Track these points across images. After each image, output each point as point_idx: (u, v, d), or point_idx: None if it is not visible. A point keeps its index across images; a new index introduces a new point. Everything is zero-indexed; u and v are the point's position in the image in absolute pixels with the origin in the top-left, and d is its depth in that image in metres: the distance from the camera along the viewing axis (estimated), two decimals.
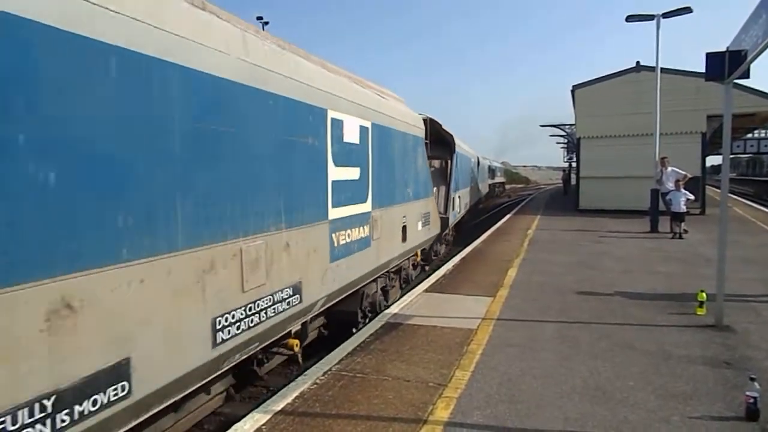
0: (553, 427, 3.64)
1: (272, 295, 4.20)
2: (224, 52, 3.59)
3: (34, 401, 2.29)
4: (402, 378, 4.55)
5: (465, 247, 12.68)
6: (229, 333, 3.63)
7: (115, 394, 2.70)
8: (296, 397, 4.18)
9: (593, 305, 6.93)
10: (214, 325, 3.47)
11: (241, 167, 3.79)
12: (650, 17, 16.06)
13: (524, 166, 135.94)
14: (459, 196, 14.56)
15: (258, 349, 4.39)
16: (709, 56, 5.70)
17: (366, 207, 6.42)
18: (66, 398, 2.44)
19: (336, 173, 5.48)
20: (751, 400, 3.70)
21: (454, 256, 11.64)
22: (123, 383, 2.74)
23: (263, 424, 3.72)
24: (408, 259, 9.23)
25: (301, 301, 4.71)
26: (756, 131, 41.12)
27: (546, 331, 5.84)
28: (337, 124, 5.53)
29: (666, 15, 15.79)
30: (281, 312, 4.36)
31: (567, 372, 4.64)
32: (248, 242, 3.84)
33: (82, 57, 2.52)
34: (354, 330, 6.38)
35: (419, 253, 9.97)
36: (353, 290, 6.42)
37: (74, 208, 2.50)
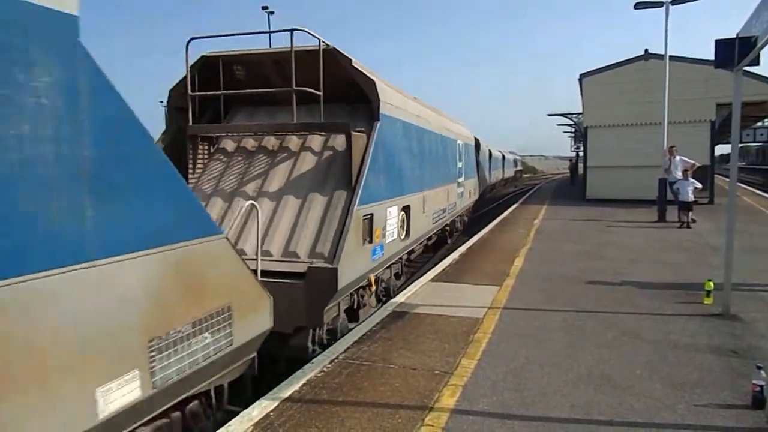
0: (558, 414, 3.66)
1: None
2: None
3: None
4: (408, 366, 4.58)
5: (471, 237, 12.69)
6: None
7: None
8: (303, 385, 4.22)
9: (600, 294, 6.93)
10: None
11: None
12: (659, 4, 15.88)
13: (531, 156, 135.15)
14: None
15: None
16: (719, 43, 5.64)
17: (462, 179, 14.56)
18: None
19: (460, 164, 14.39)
20: (758, 389, 3.69)
21: (460, 245, 11.64)
22: None
23: (271, 411, 3.76)
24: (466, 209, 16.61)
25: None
26: (766, 120, 40.64)
27: (552, 320, 5.85)
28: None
29: (675, 1, 15.62)
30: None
31: (573, 361, 4.65)
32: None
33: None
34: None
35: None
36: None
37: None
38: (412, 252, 9.65)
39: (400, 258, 8.64)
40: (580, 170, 32.29)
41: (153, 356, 2.97)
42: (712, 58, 5.77)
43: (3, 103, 2.22)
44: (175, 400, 3.33)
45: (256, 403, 3.91)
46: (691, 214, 13.42)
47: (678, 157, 14.31)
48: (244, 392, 4.30)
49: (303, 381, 4.28)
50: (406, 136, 8.31)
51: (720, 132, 20.59)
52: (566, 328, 5.55)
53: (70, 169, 2.50)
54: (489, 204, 27.14)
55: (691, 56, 18.62)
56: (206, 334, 3.43)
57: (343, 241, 5.52)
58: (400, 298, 6.89)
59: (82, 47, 2.56)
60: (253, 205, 4.79)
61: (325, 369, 4.54)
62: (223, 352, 3.61)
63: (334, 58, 6.43)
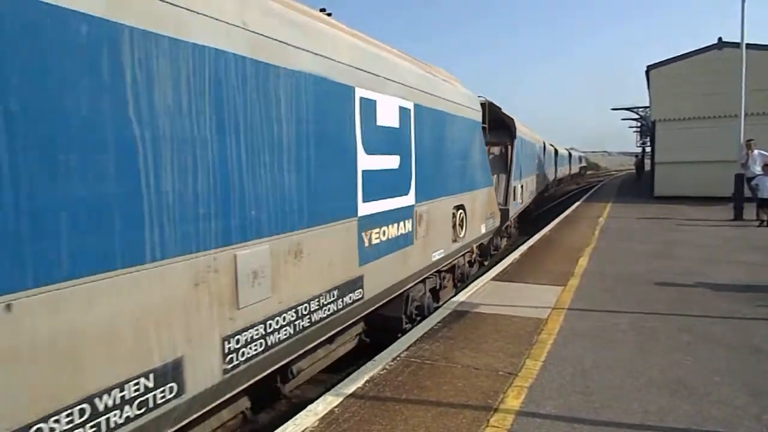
0: (630, 420, 3.51)
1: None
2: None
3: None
4: (471, 366, 4.52)
5: (532, 236, 12.42)
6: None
7: None
8: (366, 382, 4.24)
9: (671, 296, 6.61)
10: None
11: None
12: None
13: (593, 152, 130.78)
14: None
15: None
16: None
17: (538, 172, 19.90)
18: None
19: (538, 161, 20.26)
20: None
21: (520, 245, 11.42)
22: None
23: (335, 407, 3.81)
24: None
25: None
26: None
27: (620, 321, 5.63)
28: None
29: None
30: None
31: (644, 364, 4.46)
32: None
33: None
34: None
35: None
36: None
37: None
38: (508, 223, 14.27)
39: (519, 215, 14.76)
40: (647, 166, 30.99)
41: (485, 223, 9.01)
42: None
43: (478, 148, 8.63)
44: (480, 242, 9.09)
45: (321, 398, 3.97)
46: None
47: (756, 151, 13.48)
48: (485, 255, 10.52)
49: (366, 378, 4.31)
50: (524, 146, 14.35)
51: None
52: (635, 331, 5.33)
53: (480, 163, 8.64)
54: (550, 202, 26.46)
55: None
56: (489, 220, 9.35)
57: (509, 196, 11.98)
58: (460, 296, 6.83)
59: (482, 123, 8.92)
60: (497, 176, 11.39)
61: (387, 367, 4.55)
62: (490, 229, 9.42)
63: (492, 107, 11.03)
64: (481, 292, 7.08)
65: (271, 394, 4.44)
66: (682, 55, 19.96)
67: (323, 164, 3.98)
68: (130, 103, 2.46)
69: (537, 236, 12.16)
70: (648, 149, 36.32)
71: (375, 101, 4.75)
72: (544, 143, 22.98)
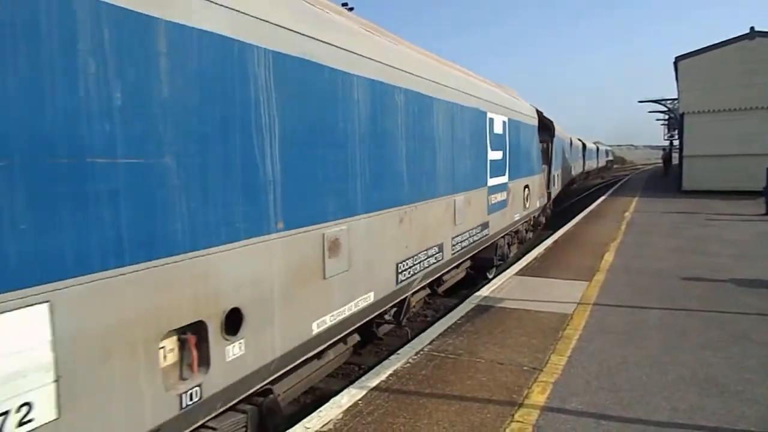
0: (659, 418, 3.45)
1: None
2: None
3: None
4: (495, 360, 4.50)
5: (557, 230, 12.27)
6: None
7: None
8: (390, 375, 4.25)
9: (701, 292, 6.47)
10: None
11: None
12: None
13: (619, 146, 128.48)
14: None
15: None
16: None
17: (564, 165, 20.90)
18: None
19: (567, 155, 22.80)
20: None
21: (545, 239, 11.29)
22: None
23: (359, 400, 3.82)
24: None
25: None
26: None
27: (648, 318, 5.54)
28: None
29: None
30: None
31: (673, 361, 4.38)
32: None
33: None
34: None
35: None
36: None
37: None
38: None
39: (554, 198, 16.49)
40: (675, 160, 30.38)
41: (539, 200, 12.72)
42: None
43: (535, 145, 12.13)
44: (535, 214, 12.65)
45: (345, 391, 4.00)
46: None
47: None
48: (534, 226, 13.57)
49: (389, 372, 4.32)
50: (560, 142, 16.84)
51: None
52: (663, 327, 5.24)
53: (536, 156, 12.08)
54: (577, 195, 26.10)
55: None
56: (541, 198, 13.21)
57: (550, 182, 14.41)
58: (484, 291, 6.79)
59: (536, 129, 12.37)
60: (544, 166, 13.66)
61: (411, 361, 4.55)
62: (541, 205, 13.27)
63: (537, 111, 12.66)
64: (505, 286, 7.03)
65: (431, 294, 7.41)
66: (712, 45, 19.45)
67: (476, 155, 7.39)
68: (422, 129, 5.60)
69: (561, 231, 12.01)
70: (676, 142, 35.60)
71: (493, 119, 8.15)
72: (571, 139, 24.97)
